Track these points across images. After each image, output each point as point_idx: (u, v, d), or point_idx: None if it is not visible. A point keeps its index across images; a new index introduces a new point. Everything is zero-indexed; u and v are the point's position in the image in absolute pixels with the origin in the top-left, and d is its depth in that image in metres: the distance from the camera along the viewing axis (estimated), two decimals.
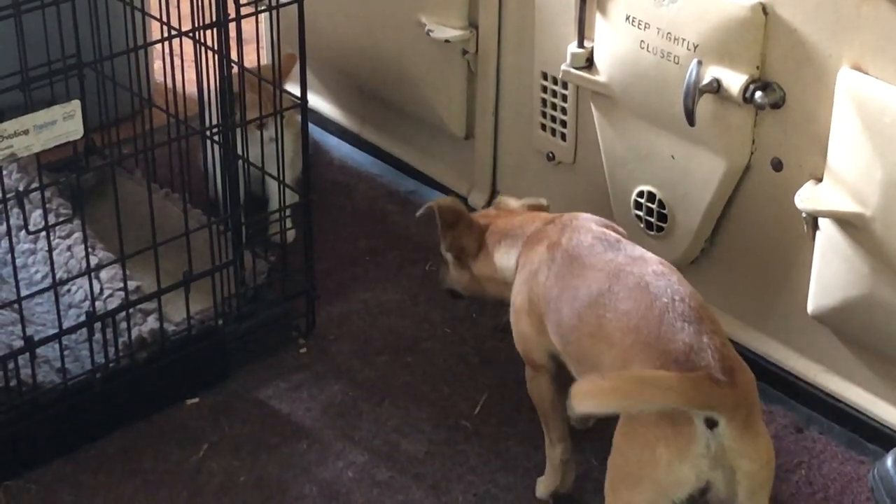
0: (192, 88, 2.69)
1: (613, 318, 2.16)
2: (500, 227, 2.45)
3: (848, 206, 2.34)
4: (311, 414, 2.61)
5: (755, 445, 2.03)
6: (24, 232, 2.54)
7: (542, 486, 2.43)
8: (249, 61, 2.68)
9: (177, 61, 2.71)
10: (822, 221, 2.42)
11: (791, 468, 2.49)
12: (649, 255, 2.27)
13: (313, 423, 2.59)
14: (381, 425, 2.58)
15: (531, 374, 2.40)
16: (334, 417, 2.60)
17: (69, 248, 2.70)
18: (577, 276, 2.25)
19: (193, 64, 2.57)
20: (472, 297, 2.58)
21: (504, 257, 2.43)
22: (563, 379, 2.30)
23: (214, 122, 2.58)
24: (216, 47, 2.49)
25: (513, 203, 2.55)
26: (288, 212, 2.77)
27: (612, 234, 2.33)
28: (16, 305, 2.42)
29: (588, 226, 2.34)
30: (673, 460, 2.01)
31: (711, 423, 2.00)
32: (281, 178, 2.70)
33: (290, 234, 2.85)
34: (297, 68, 2.63)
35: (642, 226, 2.72)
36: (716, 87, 2.45)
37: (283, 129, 2.66)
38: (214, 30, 2.47)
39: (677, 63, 2.50)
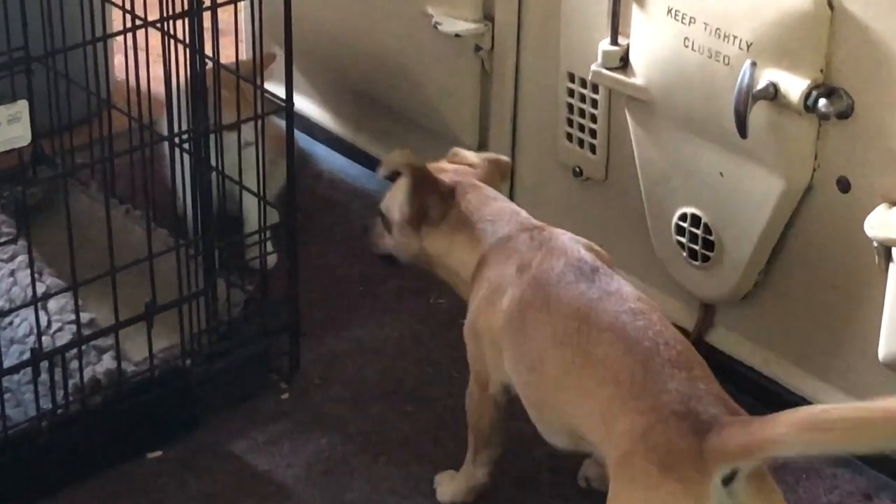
0: (158, 88, 2.68)
1: (585, 365, 2.16)
2: (471, 208, 2.43)
3: None
4: (293, 471, 2.61)
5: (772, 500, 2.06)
6: None
7: (448, 492, 2.50)
8: (226, 57, 2.68)
9: (141, 56, 2.72)
10: (895, 251, 2.41)
11: None
12: (627, 288, 2.27)
13: (296, 483, 2.58)
14: (375, 486, 2.58)
15: (475, 392, 2.43)
16: (320, 476, 2.60)
17: (12, 273, 2.70)
18: (543, 310, 2.25)
19: (161, 59, 2.57)
20: (413, 267, 2.58)
21: (464, 249, 2.42)
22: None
23: (184, 127, 2.58)
24: (187, 40, 2.50)
25: (472, 157, 2.55)
26: (268, 233, 2.78)
27: (591, 260, 2.31)
28: None
29: (565, 247, 2.33)
30: None
31: (728, 478, 2.00)
32: (261, 193, 2.69)
33: (271, 259, 2.87)
34: (280, 66, 2.63)
35: (685, 254, 2.73)
36: (772, 93, 2.45)
37: (263, 136, 2.66)
38: (186, 19, 2.48)
39: (727, 64, 2.50)
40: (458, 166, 2.52)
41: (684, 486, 2.00)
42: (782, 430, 1.96)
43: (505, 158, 2.58)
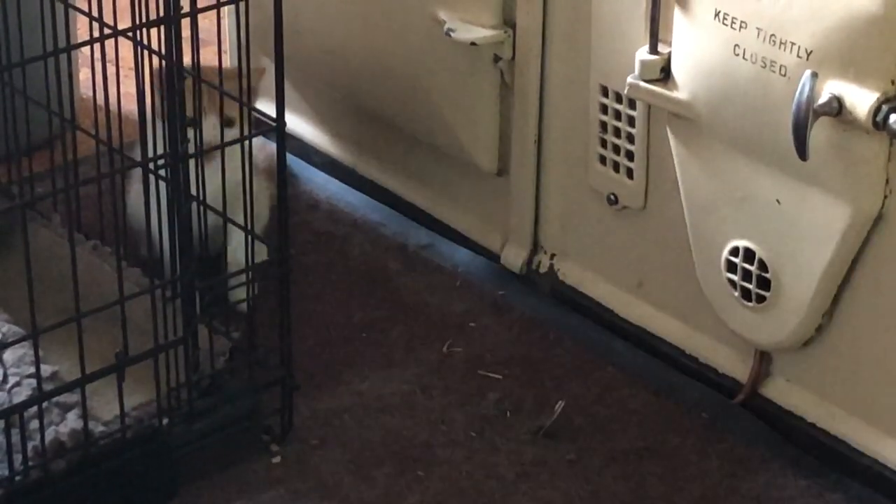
0: (130, 106, 2.68)
1: None
2: None
3: None
4: None
5: None
6: None
7: None
8: (208, 72, 2.69)
9: (110, 69, 2.71)
10: None
11: None
12: None
13: None
14: None
15: None
16: None
17: None
18: None
19: (133, 73, 2.57)
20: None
21: None
22: None
23: (160, 150, 2.58)
24: (163, 51, 2.49)
25: None
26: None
27: None
28: None
29: None
30: None
31: None
32: (248, 226, 2.70)
33: (238, 295, 2.81)
34: (270, 81, 2.63)
35: (737, 294, 2.73)
36: (836, 108, 2.46)
37: (251, 161, 2.67)
38: (161, 27, 2.48)
39: (784, 75, 2.51)
40: None
41: None
42: None
43: None
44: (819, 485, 2.71)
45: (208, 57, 2.70)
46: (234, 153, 2.67)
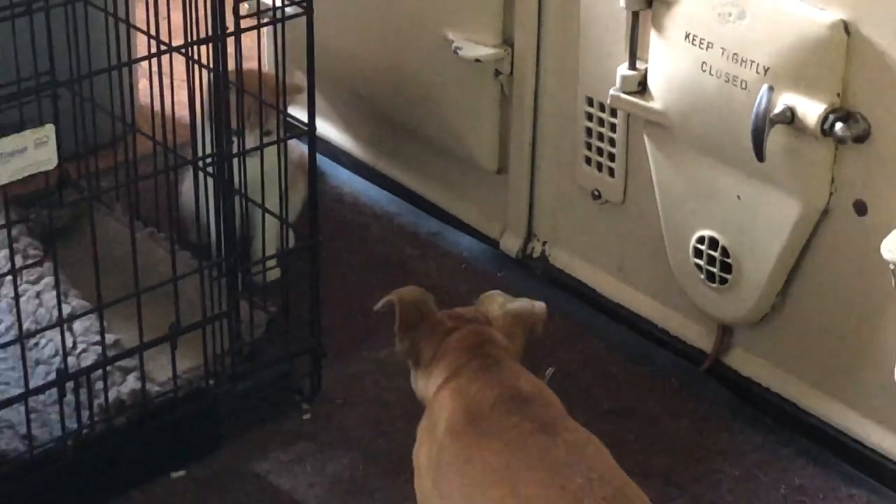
0: (182, 112, 2.69)
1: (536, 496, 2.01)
2: (450, 346, 2.25)
3: None
4: (314, 491, 2.60)
5: None
6: None
7: None
8: (249, 83, 2.66)
9: (165, 81, 2.72)
10: None
11: None
12: (564, 419, 2.13)
13: (317, 502, 2.58)
14: None
15: None
16: (343, 495, 2.60)
17: (38, 295, 2.70)
18: (473, 445, 2.10)
19: (184, 84, 2.57)
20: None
21: (433, 386, 2.24)
22: None
23: (208, 150, 2.58)
24: (212, 65, 2.49)
25: (496, 308, 2.34)
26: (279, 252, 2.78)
27: (529, 390, 2.16)
28: None
29: (504, 378, 2.17)
30: None
31: None
32: (283, 216, 2.70)
33: (272, 273, 2.80)
34: (302, 92, 2.63)
35: (703, 276, 2.72)
36: (789, 117, 2.45)
37: (285, 159, 2.66)
38: (210, 45, 2.48)
39: (745, 88, 2.49)
40: (479, 314, 2.32)
41: None
42: None
43: (539, 310, 2.33)
44: (772, 440, 2.71)
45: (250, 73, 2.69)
46: (271, 153, 2.67)
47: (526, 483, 2.02)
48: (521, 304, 2.34)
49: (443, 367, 2.23)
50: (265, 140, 2.67)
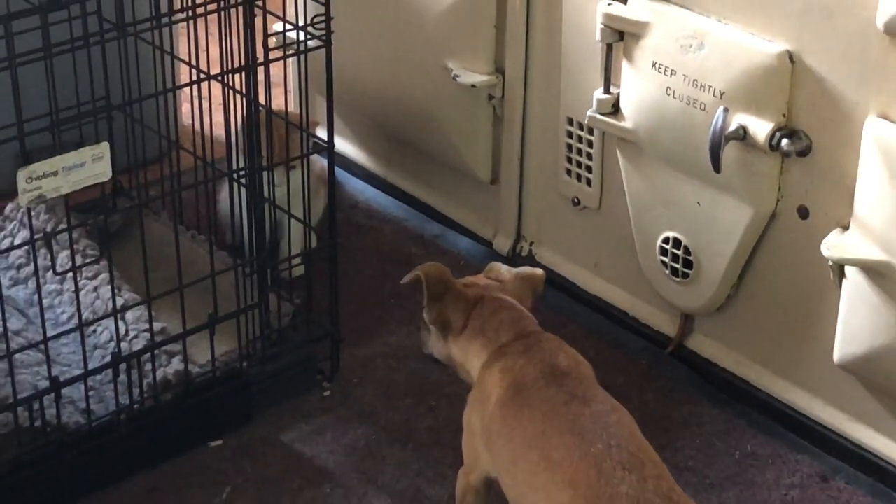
0: (219, 131, 2.69)
1: (547, 469, 2.03)
2: (486, 317, 2.25)
3: (875, 254, 2.33)
4: (334, 457, 2.59)
5: None
6: (51, 273, 2.55)
7: None
8: (277, 105, 2.67)
9: (205, 104, 2.71)
10: (848, 270, 2.40)
11: None
12: (594, 391, 2.13)
13: (336, 467, 2.57)
14: (404, 470, 2.56)
15: (462, 477, 2.29)
16: (358, 461, 2.59)
17: (95, 289, 2.70)
18: (516, 413, 2.11)
19: (221, 107, 2.57)
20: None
21: (475, 356, 2.25)
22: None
23: (241, 164, 2.58)
24: (244, 91, 2.49)
25: (504, 272, 2.35)
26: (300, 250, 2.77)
27: (565, 365, 2.17)
28: (42, 346, 2.41)
29: (545, 354, 2.17)
30: None
31: None
32: (307, 221, 2.70)
33: (298, 270, 2.79)
34: (322, 114, 2.62)
35: (668, 272, 2.71)
36: (742, 135, 2.44)
37: (308, 172, 2.65)
38: (243, 73, 2.48)
39: (703, 110, 2.49)
40: (490, 281, 2.33)
41: None
42: None
43: (539, 273, 2.36)
44: (728, 413, 2.70)
45: (277, 96, 2.68)
46: (296, 167, 2.66)
47: (556, 447, 2.03)
48: (525, 269, 2.37)
49: (485, 342, 2.23)
50: (289, 174, 2.65)
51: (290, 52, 2.60)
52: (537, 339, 2.22)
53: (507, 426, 2.12)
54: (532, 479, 2.05)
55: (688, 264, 2.67)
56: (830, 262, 2.40)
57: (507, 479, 2.14)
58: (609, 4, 2.60)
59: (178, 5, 2.51)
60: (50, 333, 2.44)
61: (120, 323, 2.53)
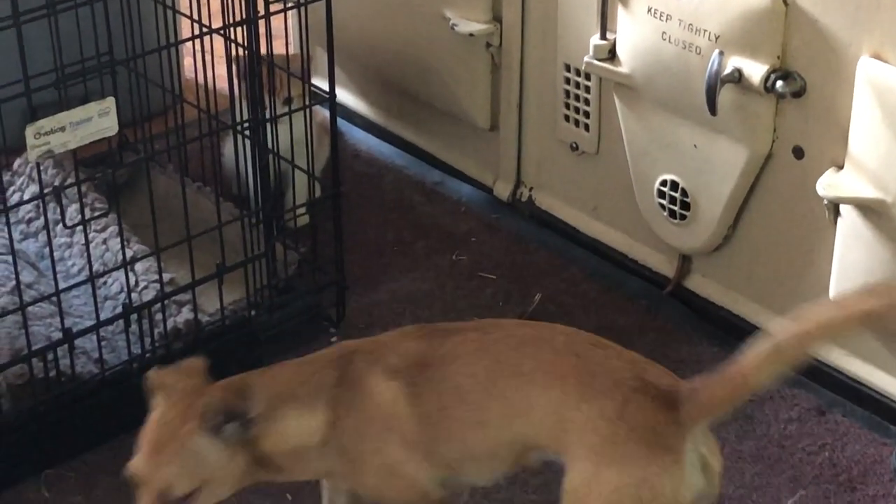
0: (222, 84, 2.68)
1: (519, 387, 1.91)
2: (276, 387, 1.99)
3: (869, 192, 2.33)
4: None
5: (715, 443, 1.96)
6: (61, 226, 2.55)
7: None
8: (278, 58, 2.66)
9: (207, 58, 2.70)
10: (843, 208, 2.40)
11: (814, 451, 2.48)
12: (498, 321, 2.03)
13: None
14: None
15: None
16: None
17: (105, 241, 2.70)
18: (445, 376, 1.93)
19: (223, 60, 2.57)
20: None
21: (301, 419, 1.96)
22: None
23: (245, 116, 2.57)
24: (246, 44, 2.49)
25: (172, 380, 2.01)
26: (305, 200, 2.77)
27: (428, 330, 2.04)
28: (54, 298, 2.42)
29: (391, 343, 2.01)
30: (677, 487, 1.86)
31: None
32: (310, 171, 2.69)
33: (303, 219, 2.80)
34: (324, 64, 2.62)
35: (665, 214, 2.71)
36: (737, 77, 2.44)
37: (311, 123, 2.65)
38: (244, 27, 2.47)
39: (699, 54, 2.48)
40: (189, 385, 2.01)
41: (673, 456, 1.87)
42: (754, 363, 1.89)
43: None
44: (725, 350, 2.68)
45: (278, 48, 2.68)
46: (299, 119, 2.66)
47: (519, 361, 1.92)
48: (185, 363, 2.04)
49: (298, 402, 1.96)
50: (290, 106, 2.65)
51: (291, 4, 2.59)
52: (354, 349, 2.03)
53: (438, 392, 1.94)
54: (506, 402, 1.91)
55: (685, 206, 2.67)
56: (826, 201, 2.40)
57: (444, 424, 1.94)
58: None
59: None
60: (62, 286, 2.44)
61: (130, 274, 2.54)
